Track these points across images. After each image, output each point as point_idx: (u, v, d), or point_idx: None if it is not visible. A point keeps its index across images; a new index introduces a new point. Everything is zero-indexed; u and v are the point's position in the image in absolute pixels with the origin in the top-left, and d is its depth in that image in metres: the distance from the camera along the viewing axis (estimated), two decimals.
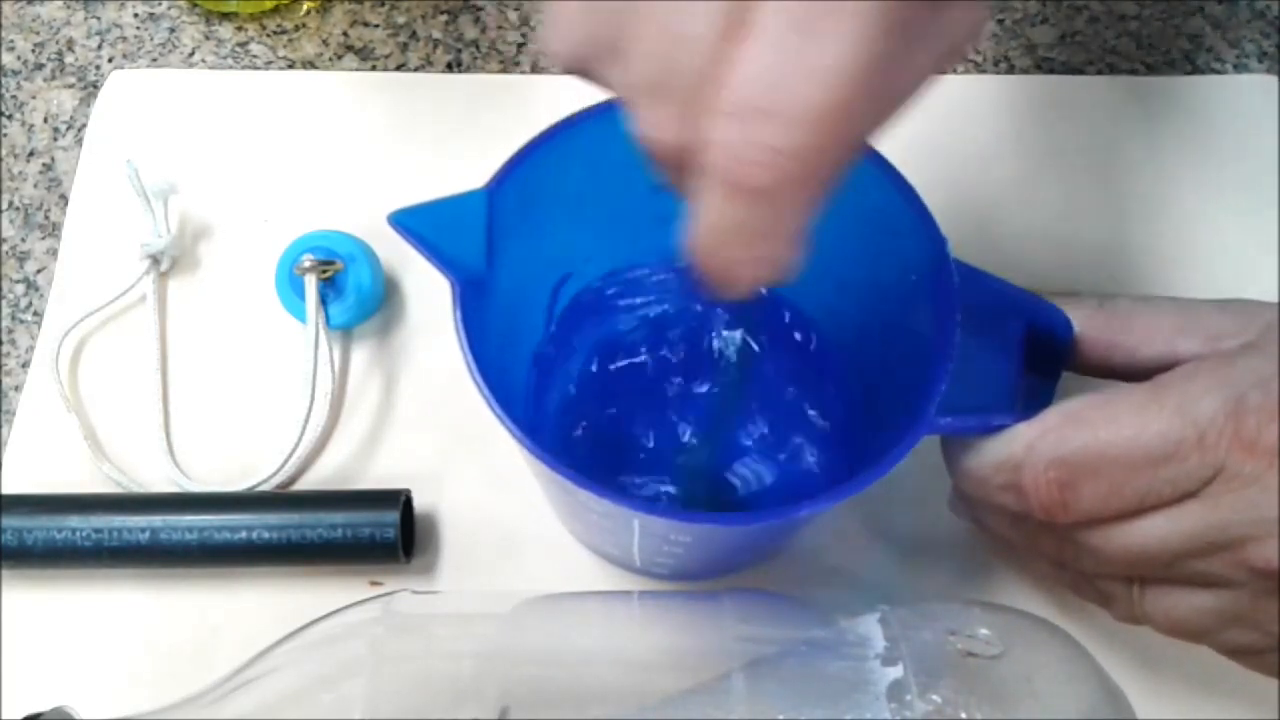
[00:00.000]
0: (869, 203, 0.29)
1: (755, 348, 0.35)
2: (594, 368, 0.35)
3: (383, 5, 0.45)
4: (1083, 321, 0.29)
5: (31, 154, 0.42)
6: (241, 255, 0.39)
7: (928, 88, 0.21)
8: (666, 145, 0.20)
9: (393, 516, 0.33)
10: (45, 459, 0.36)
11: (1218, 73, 0.44)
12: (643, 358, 0.36)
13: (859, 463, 0.26)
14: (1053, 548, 0.29)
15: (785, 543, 0.34)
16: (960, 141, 0.42)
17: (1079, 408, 0.26)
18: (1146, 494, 0.25)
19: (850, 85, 0.18)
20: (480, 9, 0.45)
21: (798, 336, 0.35)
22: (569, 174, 0.29)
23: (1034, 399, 0.28)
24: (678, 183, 0.21)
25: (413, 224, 0.26)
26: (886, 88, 0.20)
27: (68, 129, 0.42)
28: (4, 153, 0.42)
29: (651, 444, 0.35)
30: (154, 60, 0.44)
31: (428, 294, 0.39)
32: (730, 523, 0.27)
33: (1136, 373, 0.28)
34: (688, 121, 0.19)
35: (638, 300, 0.36)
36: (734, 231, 0.20)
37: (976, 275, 0.28)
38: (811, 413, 0.35)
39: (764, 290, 0.23)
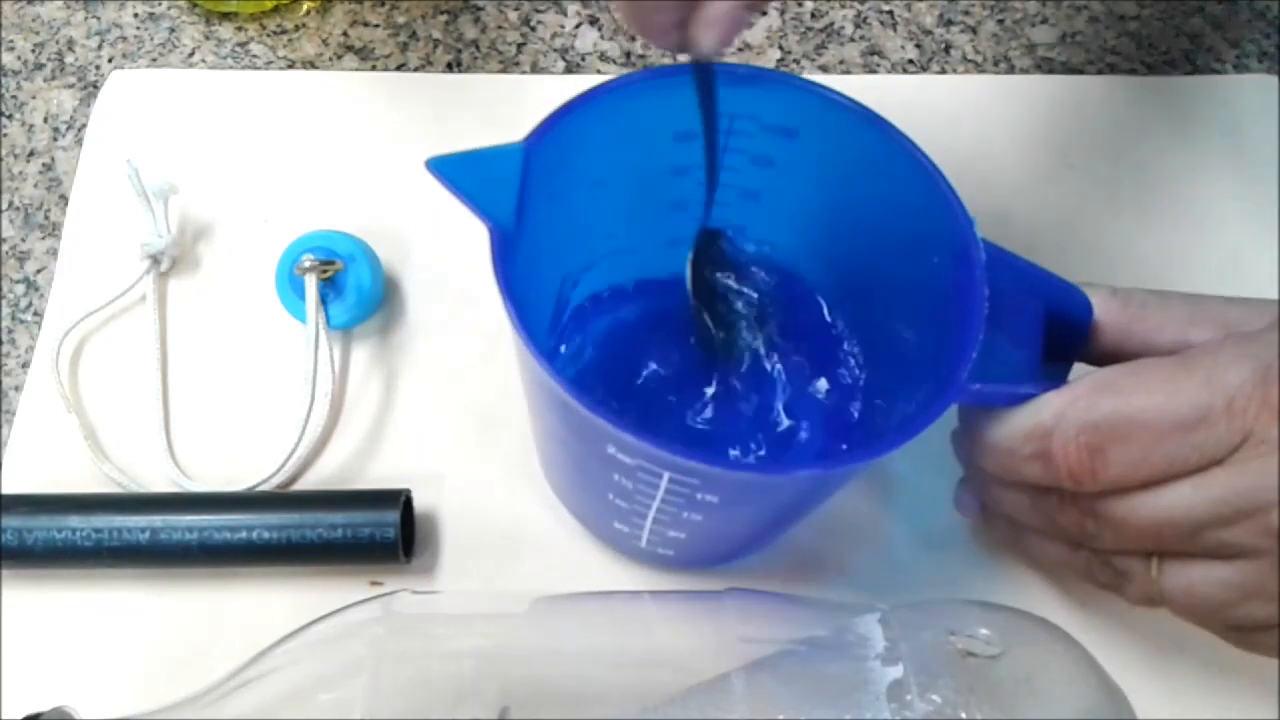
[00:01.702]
0: (893, 185, 0.29)
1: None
2: (599, 357, 0.35)
3: (383, 5, 0.45)
4: (1101, 306, 0.30)
5: (31, 154, 0.42)
6: (241, 255, 0.39)
7: None
8: None
9: (393, 516, 0.33)
10: (45, 459, 0.36)
11: (1218, 73, 0.44)
12: (648, 349, 0.36)
13: (885, 436, 0.26)
14: (1074, 523, 0.29)
15: (789, 528, 0.34)
16: (959, 141, 0.42)
17: (1109, 376, 0.27)
18: (1175, 460, 0.26)
19: None
20: (480, 9, 0.45)
21: (826, 316, 0.36)
22: (600, 143, 0.29)
23: (1049, 384, 0.28)
24: None
25: (449, 171, 0.26)
26: None
27: (68, 129, 0.42)
28: (4, 153, 0.42)
29: (659, 429, 0.34)
30: (154, 60, 0.44)
31: (428, 294, 0.39)
32: (769, 471, 0.27)
33: None
34: None
35: (648, 291, 0.36)
36: None
37: (1001, 254, 0.28)
38: (836, 391, 0.35)
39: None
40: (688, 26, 0.27)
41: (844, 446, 0.34)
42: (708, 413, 0.35)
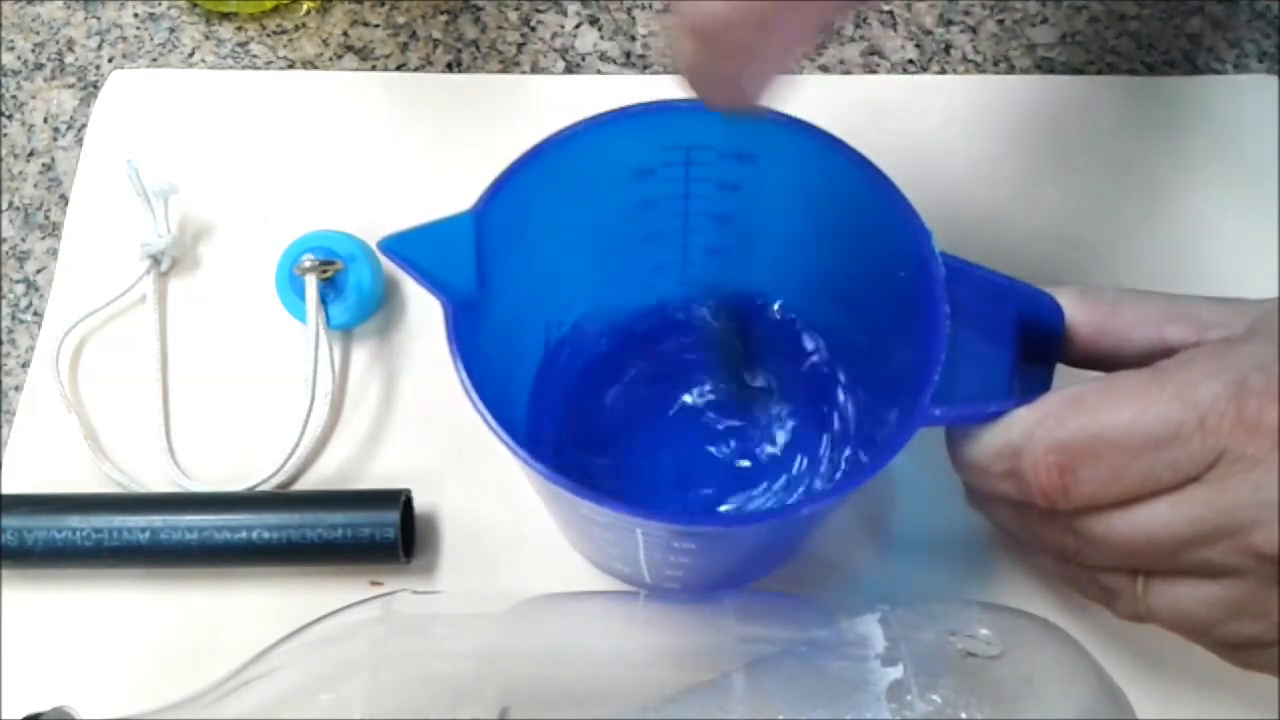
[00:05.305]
0: (855, 204, 0.29)
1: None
2: (594, 387, 0.35)
3: (383, 5, 0.45)
4: (1071, 307, 0.29)
5: (31, 154, 0.42)
6: (241, 255, 0.39)
7: None
8: None
9: (393, 516, 0.33)
10: (45, 459, 0.36)
11: (1218, 73, 0.44)
12: (643, 379, 0.36)
13: (859, 461, 0.26)
14: (1056, 540, 0.28)
15: (795, 549, 0.34)
16: (960, 141, 0.42)
17: (1079, 392, 0.26)
18: (1147, 478, 0.25)
19: None
20: (480, 9, 0.45)
21: (795, 340, 0.35)
22: (557, 193, 0.29)
23: (1032, 389, 0.28)
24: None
25: (402, 249, 0.27)
26: None
27: (68, 129, 0.42)
28: (4, 153, 0.42)
29: (653, 464, 0.35)
30: (154, 60, 0.44)
31: (428, 294, 0.39)
32: (730, 524, 0.27)
33: (1126, 361, 0.28)
34: None
35: (636, 320, 0.36)
36: (694, 67, 0.25)
37: (964, 266, 0.28)
38: (811, 415, 0.35)
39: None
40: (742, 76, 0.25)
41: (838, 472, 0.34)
42: (700, 444, 0.35)
